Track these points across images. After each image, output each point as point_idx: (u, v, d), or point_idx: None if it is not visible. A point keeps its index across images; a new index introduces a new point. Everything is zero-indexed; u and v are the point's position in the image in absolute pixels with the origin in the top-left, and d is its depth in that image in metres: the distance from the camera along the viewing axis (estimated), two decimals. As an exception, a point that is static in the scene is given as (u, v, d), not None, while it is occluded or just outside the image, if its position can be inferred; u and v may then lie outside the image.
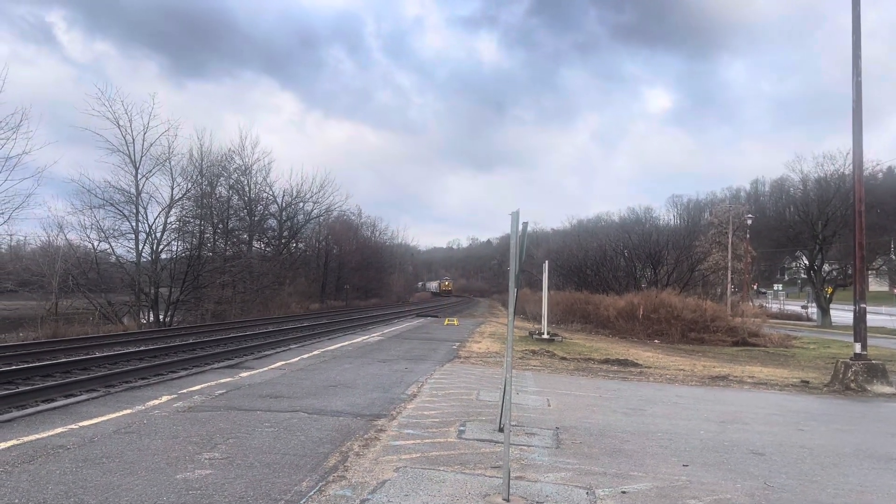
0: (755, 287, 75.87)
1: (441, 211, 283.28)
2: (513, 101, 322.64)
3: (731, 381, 15.40)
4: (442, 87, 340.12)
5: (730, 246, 53.75)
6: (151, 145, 32.53)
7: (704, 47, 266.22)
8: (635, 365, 18.09)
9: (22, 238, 33.06)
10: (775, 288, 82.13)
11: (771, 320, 47.08)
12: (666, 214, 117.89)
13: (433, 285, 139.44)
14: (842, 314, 54.48)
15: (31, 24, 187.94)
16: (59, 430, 7.15)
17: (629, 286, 52.72)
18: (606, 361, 18.41)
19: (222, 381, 11.35)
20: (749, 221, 55.18)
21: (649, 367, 17.85)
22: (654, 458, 7.04)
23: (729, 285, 53.58)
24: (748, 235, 58.17)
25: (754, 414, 10.70)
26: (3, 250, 33.46)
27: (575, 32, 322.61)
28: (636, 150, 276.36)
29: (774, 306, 69.56)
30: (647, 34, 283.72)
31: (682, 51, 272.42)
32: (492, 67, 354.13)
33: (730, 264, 53.34)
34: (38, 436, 6.83)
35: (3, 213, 21.59)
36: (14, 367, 13.13)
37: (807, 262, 60.99)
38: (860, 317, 14.52)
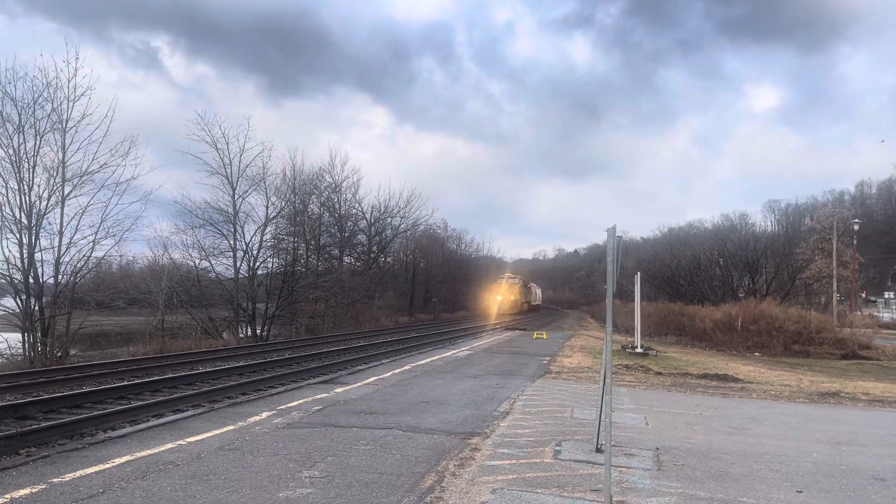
0: (864, 295, 71.44)
1: (529, 222, 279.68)
2: (608, 105, 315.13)
3: (842, 398, 14.50)
4: (534, 94, 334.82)
5: (834, 252, 50.90)
6: (247, 166, 33.79)
7: (821, 39, 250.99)
8: (736, 380, 17.33)
9: (131, 258, 34.98)
10: (886, 296, 77.15)
11: (883, 331, 44.08)
12: (763, 220, 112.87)
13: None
14: (964, 324, 50.56)
15: (138, 50, 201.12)
16: (169, 445, 7.47)
17: (725, 296, 50.67)
18: (705, 376, 17.72)
19: (318, 396, 11.61)
20: (856, 226, 52.06)
21: (751, 383, 17.05)
22: (763, 483, 6.68)
23: (835, 294, 50.70)
24: (855, 241, 54.90)
25: (871, 434, 10.02)
26: (114, 270, 35.52)
27: (677, 30, 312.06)
28: (737, 153, 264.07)
29: (886, 316, 65.20)
30: (758, 27, 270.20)
31: (795, 44, 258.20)
32: (586, 71, 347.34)
33: (835, 272, 50.51)
34: (149, 451, 7.16)
35: (114, 236, 22.87)
36: (126, 383, 13.88)
37: (922, 267, 56.94)
38: None
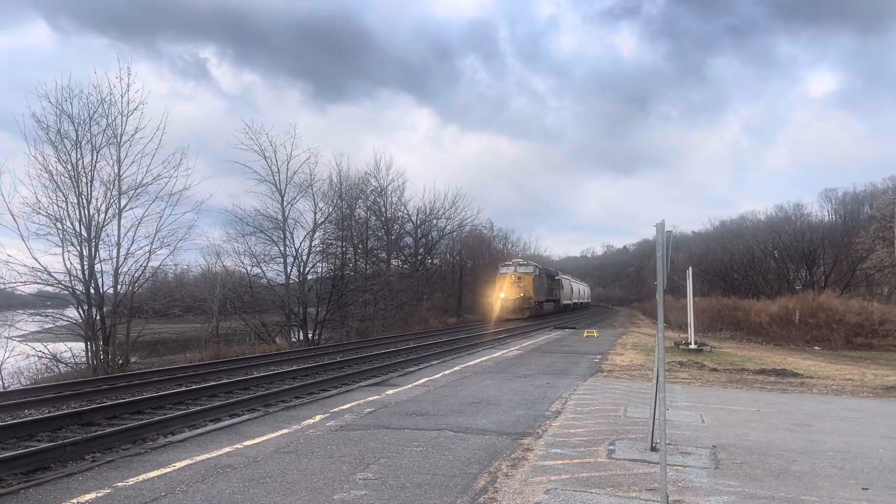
0: (929, 285, 68.57)
1: (576, 219, 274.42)
2: (656, 97, 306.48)
3: (909, 392, 13.97)
4: (580, 89, 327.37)
5: (896, 241, 49.01)
6: (295, 173, 34.29)
7: (881, 17, 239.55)
8: (795, 375, 16.86)
9: (185, 266, 35.85)
10: (954, 285, 73.99)
11: (951, 321, 42.30)
12: (819, 210, 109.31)
13: None
14: None
15: (187, 61, 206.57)
16: (227, 449, 7.64)
17: (781, 289, 49.44)
18: (762, 372, 17.29)
19: (370, 398, 11.71)
20: (918, 212, 50.02)
21: (811, 378, 16.57)
22: (827, 481, 6.48)
23: (898, 284, 48.83)
24: (918, 228, 52.75)
25: (941, 430, 9.62)
26: (169, 279, 36.48)
27: (727, 15, 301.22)
28: (791, 142, 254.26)
29: (954, 305, 62.56)
30: (813, 9, 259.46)
31: (853, 24, 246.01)
32: (633, 63, 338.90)
33: (898, 261, 48.62)
34: (208, 455, 7.33)
35: (169, 245, 23.54)
36: (184, 389, 14.24)
37: None
38: None
